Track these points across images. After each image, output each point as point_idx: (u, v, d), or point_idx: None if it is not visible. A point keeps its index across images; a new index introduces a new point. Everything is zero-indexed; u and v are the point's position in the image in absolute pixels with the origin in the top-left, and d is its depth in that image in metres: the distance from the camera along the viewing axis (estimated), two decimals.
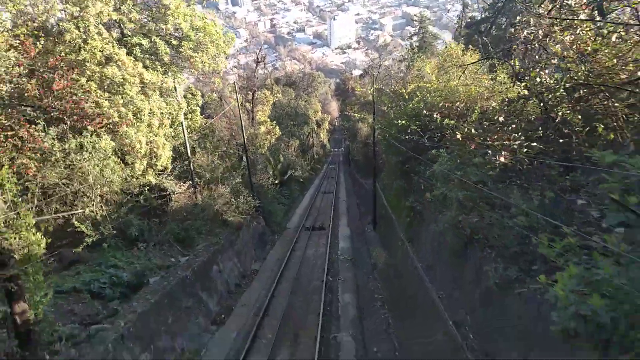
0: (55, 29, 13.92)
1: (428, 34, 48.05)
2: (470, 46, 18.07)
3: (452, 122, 8.12)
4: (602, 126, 5.86)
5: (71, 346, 8.33)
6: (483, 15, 38.34)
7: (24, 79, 6.90)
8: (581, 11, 6.08)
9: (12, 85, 6.66)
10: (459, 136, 7.12)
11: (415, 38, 48.83)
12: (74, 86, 8.74)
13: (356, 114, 31.81)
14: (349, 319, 12.80)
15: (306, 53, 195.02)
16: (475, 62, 10.45)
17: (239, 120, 25.02)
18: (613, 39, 5.90)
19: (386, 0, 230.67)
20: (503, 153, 6.29)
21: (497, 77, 11.16)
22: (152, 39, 18.20)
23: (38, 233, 8.19)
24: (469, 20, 44.76)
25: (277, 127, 33.85)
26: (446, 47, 18.73)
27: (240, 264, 17.35)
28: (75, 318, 9.76)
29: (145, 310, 9.97)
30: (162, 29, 18.64)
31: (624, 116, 6.30)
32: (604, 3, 5.89)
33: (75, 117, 8.65)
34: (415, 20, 50.34)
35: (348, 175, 51.84)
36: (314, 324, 12.28)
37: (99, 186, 12.92)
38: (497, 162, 6.32)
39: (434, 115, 9.61)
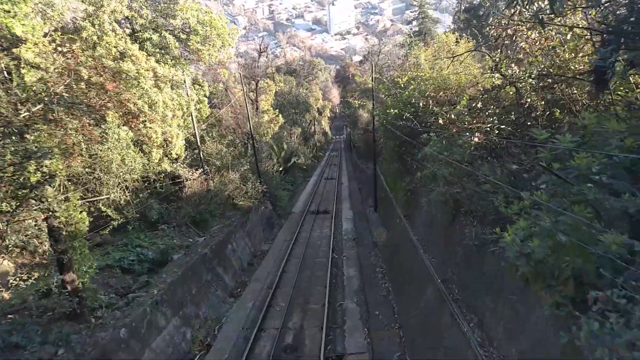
0: (70, 26, 15.09)
1: (428, 19, 48.58)
2: (466, 33, 19.14)
3: (437, 109, 9.36)
4: (559, 111, 7.11)
5: (112, 311, 9.77)
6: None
7: (80, 83, 8.10)
8: (543, 14, 7.29)
9: (69, 88, 7.88)
10: (440, 121, 8.37)
11: (414, 23, 49.40)
12: (119, 85, 9.95)
13: (356, 102, 32.89)
14: (353, 289, 14.23)
15: (305, 39, 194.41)
16: (462, 53, 11.60)
17: (245, 110, 26.30)
18: (568, 37, 7.12)
19: None
20: (477, 134, 7.58)
21: (486, 65, 12.35)
22: (162, 34, 19.31)
23: (83, 212, 9.59)
24: (467, 4, 45.37)
25: (280, 115, 35.04)
26: (441, 35, 19.75)
27: (251, 245, 18.80)
28: (110, 289, 11.20)
29: (173, 280, 11.40)
30: (171, 24, 19.76)
31: (582, 102, 7.56)
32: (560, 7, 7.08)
33: (119, 113, 9.91)
34: (415, 5, 50.92)
35: (350, 162, 53.08)
36: (322, 294, 13.72)
37: (121, 173, 14.26)
38: (472, 142, 7.61)
39: (420, 104, 10.86)
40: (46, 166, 7.48)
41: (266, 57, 42.33)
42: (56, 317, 8.92)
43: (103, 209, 11.89)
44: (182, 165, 18.39)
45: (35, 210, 7.59)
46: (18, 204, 7.35)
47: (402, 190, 15.23)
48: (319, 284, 14.68)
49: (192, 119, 19.54)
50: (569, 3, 6.13)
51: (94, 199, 13.82)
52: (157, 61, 18.28)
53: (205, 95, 23.22)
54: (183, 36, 19.85)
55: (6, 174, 6.94)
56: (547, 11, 6.03)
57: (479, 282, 7.74)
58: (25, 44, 7.00)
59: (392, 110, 13.77)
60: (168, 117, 17.22)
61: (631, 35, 5.52)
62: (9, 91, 7.40)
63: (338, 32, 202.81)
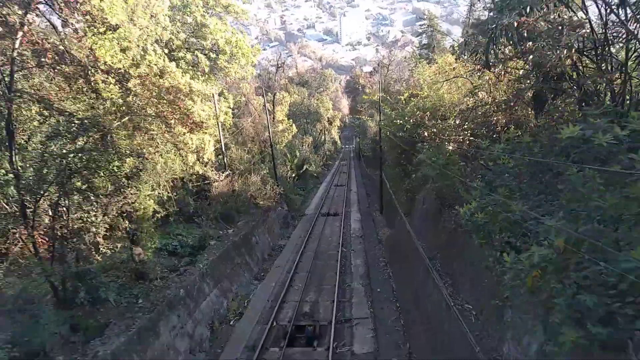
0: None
1: (436, 32, 51.27)
2: (469, 50, 21.77)
3: (428, 122, 12.08)
4: (514, 127, 9.80)
5: (170, 277, 12.56)
6: (488, 16, 41.73)
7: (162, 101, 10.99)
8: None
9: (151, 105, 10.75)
10: (426, 134, 11.07)
11: (424, 36, 52.04)
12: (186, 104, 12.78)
13: (364, 117, 35.59)
14: (360, 274, 16.91)
15: (316, 49, 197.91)
16: (452, 78, 14.30)
17: (263, 119, 29.30)
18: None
19: None
20: (451, 144, 10.27)
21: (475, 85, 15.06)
22: (195, 53, 22.28)
23: (150, 200, 12.45)
24: (475, 20, 47.97)
25: (294, 125, 37.99)
26: (439, 60, 22.42)
27: (270, 239, 21.57)
28: (162, 266, 13.98)
29: (213, 259, 14.21)
30: (202, 44, 22.73)
31: (529, 121, 10.26)
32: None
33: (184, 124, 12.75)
34: (425, 17, 53.71)
35: (359, 170, 55.81)
36: (333, 277, 16.40)
37: (164, 173, 17.12)
38: (448, 149, 10.31)
39: (418, 118, 13.61)
40: (134, 164, 10.37)
41: (282, 71, 45.39)
42: (129, 280, 11.72)
43: (149, 203, 14.71)
44: (211, 168, 21.26)
45: (121, 197, 10.40)
46: (115, 190, 10.19)
47: (403, 191, 17.96)
48: (331, 271, 17.36)
49: (219, 127, 22.45)
50: (502, 55, 8.81)
51: (143, 194, 16.66)
52: (191, 77, 21.30)
53: (229, 107, 26.18)
54: (212, 55, 22.78)
55: (108, 169, 9.76)
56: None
57: (453, 254, 10.41)
58: (132, 78, 9.93)
59: (397, 121, 16.53)
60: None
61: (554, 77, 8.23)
62: (103, 106, 10.29)
63: (349, 43, 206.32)
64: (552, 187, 5.79)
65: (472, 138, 10.36)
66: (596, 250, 4.11)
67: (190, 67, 22.39)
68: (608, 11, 7.04)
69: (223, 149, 23.07)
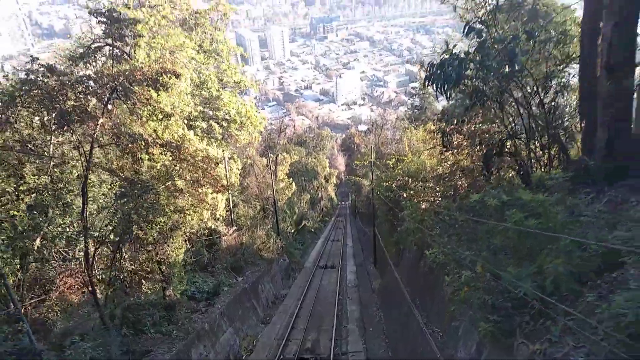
0: None
1: (427, 94, 55.88)
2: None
3: (411, 184, 15.16)
4: (473, 191, 12.85)
5: (194, 315, 15.01)
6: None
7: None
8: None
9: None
10: (404, 195, 14.08)
11: (416, 97, 56.50)
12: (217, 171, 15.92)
13: (358, 178, 39.01)
14: (355, 317, 19.29)
15: (313, 109, 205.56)
16: (428, 148, 17.57)
17: (264, 179, 32.53)
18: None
19: (389, 59, 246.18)
20: (424, 204, 13.25)
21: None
22: (209, 122, 25.71)
23: (181, 249, 15.19)
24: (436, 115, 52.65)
25: (293, 183, 41.25)
26: (415, 131, 25.90)
27: (274, 288, 23.96)
28: (184, 308, 16.42)
29: (229, 301, 16.73)
30: (217, 114, 26.23)
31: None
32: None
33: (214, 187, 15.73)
34: (417, 80, 58.59)
35: (354, 226, 58.49)
36: (331, 320, 18.77)
37: (183, 228, 19.90)
38: (421, 208, 13.27)
39: (393, 185, 16.73)
40: (175, 220, 13.25)
41: (284, 135, 49.35)
42: (161, 316, 14.17)
43: (181, 251, 17.37)
44: (221, 223, 24.06)
45: (165, 246, 13.18)
46: (160, 240, 12.98)
47: (392, 244, 20.73)
48: (329, 315, 19.73)
49: (228, 187, 25.48)
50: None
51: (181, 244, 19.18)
52: (207, 144, 24.59)
53: (238, 168, 29.41)
54: (225, 124, 26.26)
55: (157, 223, 12.61)
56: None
57: (427, 291, 13.07)
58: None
59: (383, 184, 19.66)
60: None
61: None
62: (156, 172, 13.33)
63: (345, 103, 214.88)
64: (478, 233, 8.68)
65: (440, 198, 13.37)
66: (492, 270, 6.98)
67: (205, 135, 25.79)
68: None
69: (231, 207, 25.96)
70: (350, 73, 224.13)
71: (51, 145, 12.20)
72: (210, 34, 26.22)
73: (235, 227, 25.24)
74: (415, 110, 49.87)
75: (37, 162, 12.17)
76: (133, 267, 12.59)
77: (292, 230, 40.06)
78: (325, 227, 59.93)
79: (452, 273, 9.32)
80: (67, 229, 12.20)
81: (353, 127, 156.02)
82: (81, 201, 11.70)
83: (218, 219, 23.70)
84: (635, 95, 9.13)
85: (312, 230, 51.21)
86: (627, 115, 8.77)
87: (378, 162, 26.03)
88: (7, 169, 11.40)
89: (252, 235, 25.22)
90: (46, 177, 11.91)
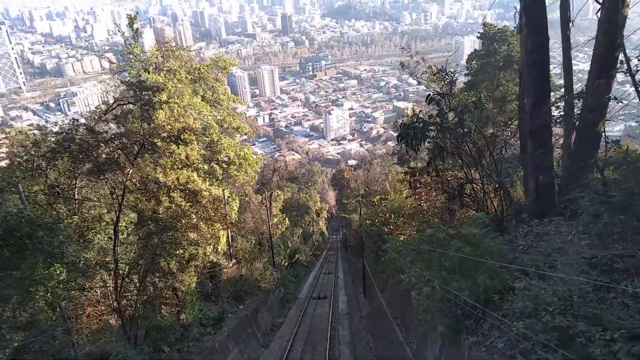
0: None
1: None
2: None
3: (392, 220, 17.74)
4: (440, 224, 15.49)
5: (203, 338, 17.11)
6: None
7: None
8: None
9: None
10: (385, 229, 16.60)
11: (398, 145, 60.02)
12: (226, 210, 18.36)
13: (347, 215, 41.61)
14: (346, 341, 21.42)
15: (303, 144, 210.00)
16: (408, 196, 20.26)
17: (264, 216, 34.92)
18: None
19: (377, 96, 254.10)
20: (402, 237, 15.78)
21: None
22: (211, 164, 28.23)
23: (194, 278, 17.42)
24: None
25: (287, 218, 43.64)
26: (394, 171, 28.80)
27: (271, 316, 25.99)
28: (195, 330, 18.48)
29: (234, 325, 18.83)
30: (217, 157, 28.79)
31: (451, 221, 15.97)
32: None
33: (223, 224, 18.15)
34: (404, 116, 62.26)
35: (345, 260, 60.47)
36: (325, 344, 20.85)
37: (197, 259, 22.12)
38: (400, 240, 15.79)
39: (376, 221, 19.35)
40: (191, 252, 15.62)
41: (278, 174, 52.10)
42: (176, 337, 16.25)
43: (193, 280, 19.54)
44: (222, 256, 26.26)
45: (183, 275, 15.46)
46: (178, 270, 15.28)
47: (378, 272, 23.11)
48: (323, 339, 21.80)
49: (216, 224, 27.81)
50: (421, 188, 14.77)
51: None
52: (209, 184, 27.06)
53: (236, 205, 31.82)
54: (225, 166, 28.82)
55: (177, 255, 14.95)
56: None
57: (406, 309, 15.42)
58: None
59: (369, 220, 22.25)
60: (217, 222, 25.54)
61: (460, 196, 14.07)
62: (169, 212, 15.77)
63: (334, 138, 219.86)
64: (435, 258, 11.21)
65: (415, 232, 15.94)
66: (443, 286, 9.50)
67: (207, 176, 28.25)
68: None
69: (230, 241, 28.21)
70: (339, 110, 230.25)
71: (75, 189, 14.72)
72: (212, 86, 29.03)
73: (234, 260, 27.43)
74: (396, 154, 53.20)
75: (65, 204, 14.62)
76: (155, 293, 14.78)
77: (286, 263, 42.14)
78: (317, 260, 61.81)
79: (418, 290, 11.80)
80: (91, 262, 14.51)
81: (343, 162, 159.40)
82: (101, 237, 14.10)
83: (219, 252, 25.98)
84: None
85: (305, 263, 53.15)
86: (550, 168, 11.54)
87: (364, 201, 28.68)
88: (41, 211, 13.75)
89: (251, 267, 27.40)
90: (76, 217, 14.29)
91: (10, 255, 8.06)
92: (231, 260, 26.93)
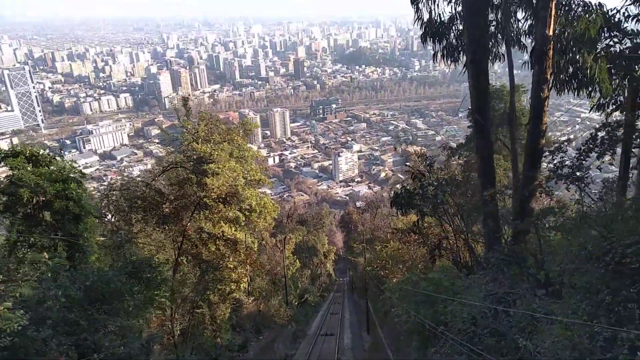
0: None
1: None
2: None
3: (386, 264, 22.24)
4: (426, 269, 19.92)
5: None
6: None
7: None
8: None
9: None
10: (382, 273, 21.04)
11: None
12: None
13: (354, 259, 45.96)
14: None
15: (312, 185, 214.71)
16: (398, 240, 24.80)
17: (282, 260, 39.47)
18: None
19: (386, 139, 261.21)
20: (394, 279, 20.18)
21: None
22: (236, 213, 33.00)
23: (228, 309, 21.88)
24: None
25: (297, 260, 48.02)
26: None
27: (285, 348, 29.99)
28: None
29: (256, 352, 23.06)
30: (241, 206, 33.63)
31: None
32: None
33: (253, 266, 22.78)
34: (410, 163, 67.03)
35: (351, 301, 63.90)
36: None
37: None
38: (393, 282, 20.19)
39: (375, 266, 23.80)
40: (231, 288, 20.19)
41: (291, 220, 56.94)
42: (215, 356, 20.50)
43: (227, 310, 23.88)
44: (243, 293, 30.65)
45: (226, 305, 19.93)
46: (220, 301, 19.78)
47: (378, 310, 27.29)
48: None
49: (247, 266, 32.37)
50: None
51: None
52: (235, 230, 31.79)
53: (255, 250, 36.41)
54: (247, 213, 33.61)
55: (220, 289, 19.49)
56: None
57: (400, 338, 19.65)
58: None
59: (372, 265, 26.71)
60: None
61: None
62: (214, 256, 20.47)
63: (343, 180, 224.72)
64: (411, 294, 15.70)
65: (402, 275, 20.41)
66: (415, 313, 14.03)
67: (230, 223, 32.93)
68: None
69: (249, 280, 32.67)
70: (348, 152, 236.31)
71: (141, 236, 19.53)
72: (238, 144, 34.33)
73: (252, 297, 31.78)
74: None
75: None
76: (201, 319, 19.20)
77: (296, 303, 46.13)
78: (324, 302, 65.26)
79: (400, 318, 16.25)
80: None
81: (351, 203, 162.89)
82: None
83: (241, 290, 30.38)
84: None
85: (312, 304, 56.84)
86: (499, 230, 16.17)
87: (368, 247, 33.22)
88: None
89: (267, 304, 31.69)
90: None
91: (132, 284, 12.76)
92: (250, 297, 31.27)
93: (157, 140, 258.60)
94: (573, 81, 14.73)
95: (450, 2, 16.51)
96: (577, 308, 6.68)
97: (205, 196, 18.97)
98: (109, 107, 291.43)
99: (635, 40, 14.14)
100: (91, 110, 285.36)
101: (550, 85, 14.59)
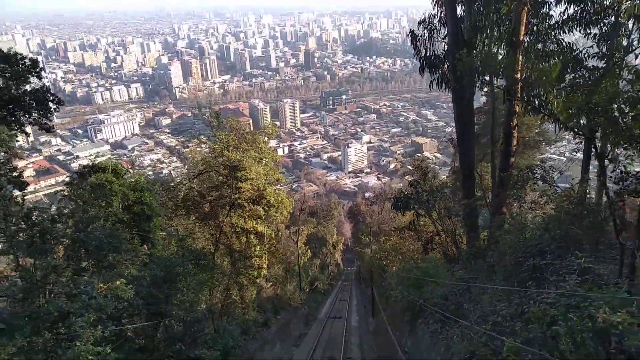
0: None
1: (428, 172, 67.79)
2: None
3: (388, 255, 26.27)
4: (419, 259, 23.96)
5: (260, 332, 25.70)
6: None
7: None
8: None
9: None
10: (384, 263, 25.03)
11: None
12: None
13: (361, 250, 50.13)
14: (356, 344, 29.68)
15: (321, 176, 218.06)
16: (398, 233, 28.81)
17: (291, 248, 43.75)
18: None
19: (396, 131, 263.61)
20: (394, 268, 24.22)
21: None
22: (256, 208, 37.26)
23: (254, 290, 26.24)
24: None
25: (309, 250, 52.39)
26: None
27: (298, 328, 34.39)
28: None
29: (276, 329, 27.40)
30: (262, 202, 37.86)
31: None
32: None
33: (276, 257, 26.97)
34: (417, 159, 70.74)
35: (358, 289, 68.28)
36: (339, 348, 29.14)
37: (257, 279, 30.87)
38: (392, 270, 24.24)
39: (379, 256, 27.86)
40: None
41: (305, 212, 61.29)
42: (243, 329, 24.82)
43: (251, 292, 28.16)
44: (263, 279, 34.98)
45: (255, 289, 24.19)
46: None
47: (382, 295, 31.45)
48: (339, 344, 30.10)
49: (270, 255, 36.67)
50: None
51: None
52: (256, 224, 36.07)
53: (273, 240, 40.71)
54: (266, 208, 37.85)
55: (248, 274, 23.75)
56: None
57: (402, 321, 23.79)
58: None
59: (377, 255, 30.80)
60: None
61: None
62: (245, 246, 24.71)
63: (352, 171, 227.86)
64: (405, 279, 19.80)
65: (401, 264, 24.51)
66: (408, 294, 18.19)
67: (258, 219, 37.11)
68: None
69: (266, 268, 37.05)
70: (358, 143, 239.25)
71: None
72: (259, 146, 38.40)
73: (271, 283, 36.14)
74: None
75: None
76: (232, 300, 23.48)
77: (307, 290, 50.59)
78: (332, 289, 69.77)
79: (396, 298, 20.34)
80: None
81: (360, 194, 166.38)
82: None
83: (262, 276, 34.73)
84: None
85: (322, 291, 61.34)
86: (476, 230, 20.17)
87: (374, 240, 37.37)
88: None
89: (284, 289, 36.03)
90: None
91: (194, 269, 16.99)
92: (268, 283, 35.62)
93: (167, 130, 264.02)
94: (541, 109, 18.58)
95: (443, 41, 20.44)
96: (498, 284, 10.74)
97: (238, 197, 23.18)
98: (120, 97, 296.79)
99: (594, 75, 17.93)
100: (103, 100, 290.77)
101: (518, 116, 18.45)
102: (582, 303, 6.06)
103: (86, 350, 8.62)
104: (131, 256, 13.74)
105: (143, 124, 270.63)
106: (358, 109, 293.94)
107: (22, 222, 9.93)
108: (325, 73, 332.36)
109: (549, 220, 11.14)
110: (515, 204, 20.26)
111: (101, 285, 9.77)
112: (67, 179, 18.55)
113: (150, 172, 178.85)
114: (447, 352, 11.91)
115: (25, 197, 12.09)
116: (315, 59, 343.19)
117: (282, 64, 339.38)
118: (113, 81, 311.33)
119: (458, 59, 16.73)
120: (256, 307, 30.78)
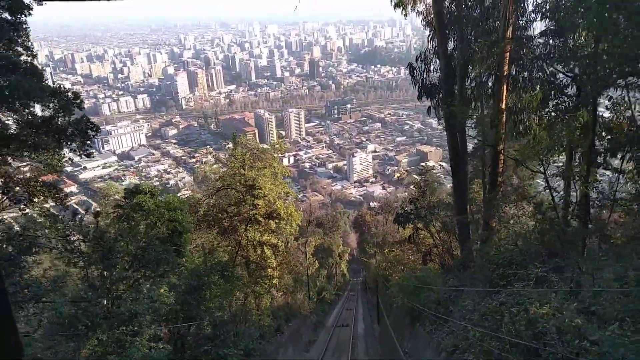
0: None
1: (432, 180, 70.13)
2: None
3: (391, 266, 28.76)
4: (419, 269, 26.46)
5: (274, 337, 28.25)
6: None
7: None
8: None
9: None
10: (386, 272, 27.54)
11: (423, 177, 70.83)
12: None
13: (367, 260, 52.59)
14: (363, 350, 32.09)
15: (327, 186, 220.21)
16: (399, 245, 31.33)
17: (305, 261, 46.28)
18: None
19: (401, 139, 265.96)
20: (396, 277, 26.77)
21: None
22: (268, 221, 39.93)
23: (268, 298, 28.85)
24: None
25: (316, 261, 54.91)
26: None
27: (308, 335, 36.85)
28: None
29: (288, 335, 29.90)
30: (273, 215, 40.53)
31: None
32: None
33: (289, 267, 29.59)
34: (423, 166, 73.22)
35: (364, 299, 70.54)
36: (347, 352, 31.55)
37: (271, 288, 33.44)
38: (394, 279, 26.75)
39: (386, 272, 30.36)
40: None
41: (312, 224, 63.89)
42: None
43: (266, 300, 30.71)
44: (274, 288, 37.52)
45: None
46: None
47: (386, 303, 33.90)
48: (347, 349, 32.53)
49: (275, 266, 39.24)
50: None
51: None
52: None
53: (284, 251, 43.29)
54: (277, 221, 40.49)
55: (264, 283, 26.33)
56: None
57: (404, 326, 26.26)
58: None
59: (381, 265, 33.30)
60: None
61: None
62: (260, 258, 27.35)
63: (357, 180, 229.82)
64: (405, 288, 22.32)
65: (401, 274, 27.00)
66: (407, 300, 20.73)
67: (272, 232, 39.72)
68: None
69: (276, 277, 39.62)
70: (363, 152, 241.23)
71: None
72: (269, 162, 41.09)
73: (282, 292, 38.67)
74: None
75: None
76: (249, 307, 26.05)
77: (315, 299, 53.05)
78: (339, 299, 72.07)
79: (397, 304, 22.82)
80: None
81: (365, 204, 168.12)
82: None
83: (273, 286, 37.29)
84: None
85: (329, 301, 63.72)
86: (468, 242, 22.68)
87: (379, 251, 39.98)
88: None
89: (294, 297, 38.54)
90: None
91: (219, 279, 19.62)
92: (279, 292, 38.15)
93: (174, 141, 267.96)
94: (525, 132, 21.12)
95: (437, 72, 23.18)
96: (479, 286, 13.32)
97: (255, 213, 25.87)
98: (127, 108, 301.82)
99: (573, 101, 20.46)
100: (110, 111, 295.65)
101: (504, 141, 21.00)
102: (521, 300, 8.69)
103: (144, 345, 11.27)
104: (173, 268, 16.39)
105: (150, 134, 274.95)
106: (363, 118, 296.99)
107: (95, 243, 12.62)
108: (330, 82, 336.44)
109: (516, 236, 13.70)
110: (494, 222, 22.85)
111: (161, 290, 12.36)
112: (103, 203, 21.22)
113: (157, 183, 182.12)
114: (438, 348, 14.47)
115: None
116: (320, 68, 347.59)
117: (287, 74, 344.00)
118: (120, 92, 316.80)
119: (450, 112, 19.42)
120: (270, 314, 33.32)
